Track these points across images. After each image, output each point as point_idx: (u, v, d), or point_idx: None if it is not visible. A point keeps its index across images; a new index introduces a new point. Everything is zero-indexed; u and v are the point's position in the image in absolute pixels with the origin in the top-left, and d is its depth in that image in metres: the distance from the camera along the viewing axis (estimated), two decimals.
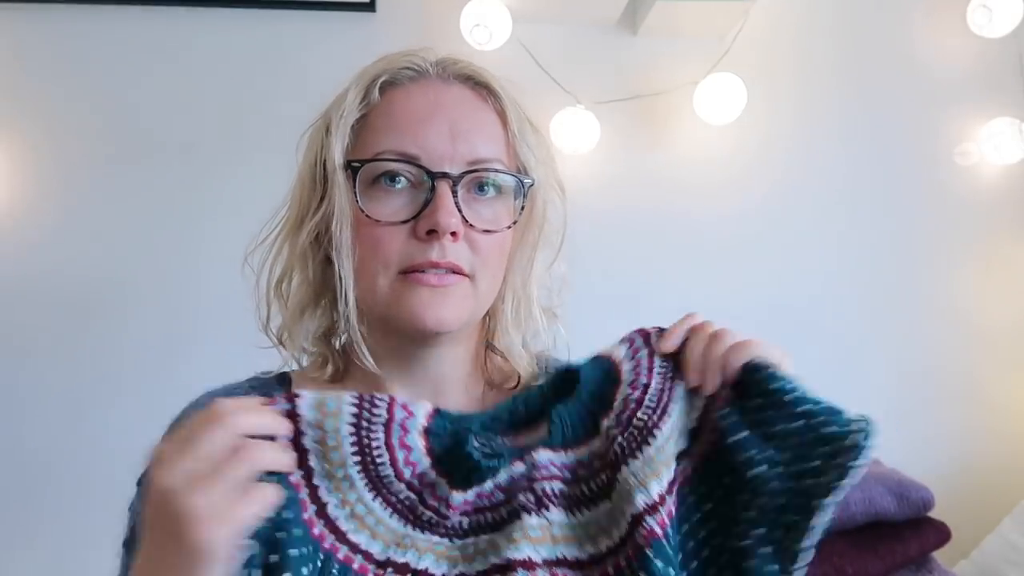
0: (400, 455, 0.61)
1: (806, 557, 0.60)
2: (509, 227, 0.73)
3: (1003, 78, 1.70)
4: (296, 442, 0.59)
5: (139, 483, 0.73)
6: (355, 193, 0.71)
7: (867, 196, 1.69)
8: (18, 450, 1.49)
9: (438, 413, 0.65)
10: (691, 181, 1.66)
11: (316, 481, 0.60)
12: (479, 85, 0.75)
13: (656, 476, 0.61)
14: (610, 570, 0.60)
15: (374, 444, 0.61)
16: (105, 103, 1.55)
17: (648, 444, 0.62)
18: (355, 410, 0.61)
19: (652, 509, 0.60)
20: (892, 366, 1.66)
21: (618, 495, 0.62)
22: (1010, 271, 1.71)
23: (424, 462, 0.62)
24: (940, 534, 1.38)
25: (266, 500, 0.55)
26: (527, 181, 0.74)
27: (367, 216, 0.70)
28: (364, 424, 0.61)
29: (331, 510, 0.60)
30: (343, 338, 0.78)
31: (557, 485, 0.64)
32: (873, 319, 1.66)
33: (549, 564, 0.61)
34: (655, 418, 0.64)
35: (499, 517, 0.63)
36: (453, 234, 0.69)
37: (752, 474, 0.60)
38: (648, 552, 0.58)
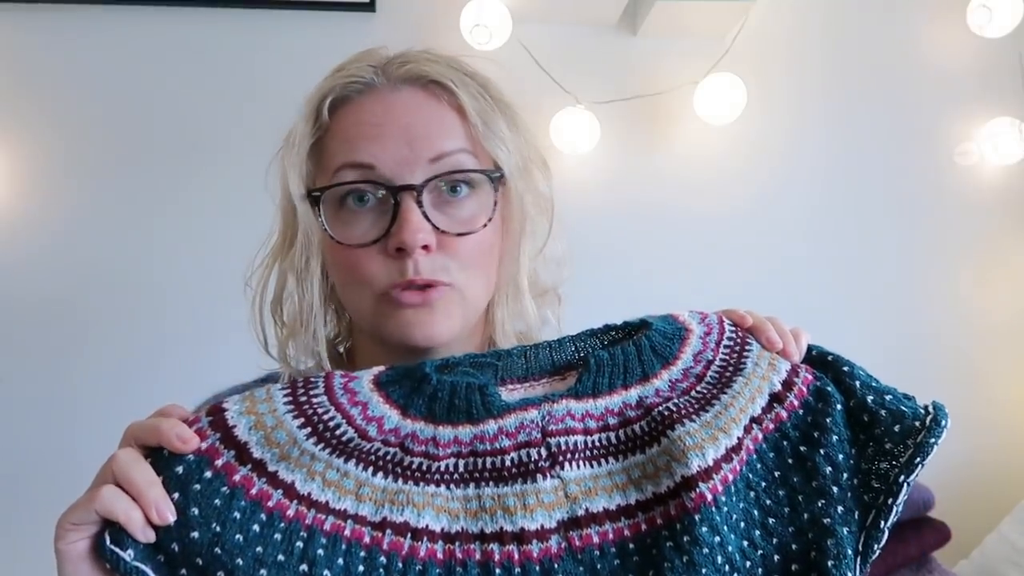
0: (355, 412, 0.58)
1: (882, 539, 0.58)
2: (485, 225, 0.70)
3: (1003, 78, 1.69)
4: (231, 439, 0.56)
5: None
6: (322, 220, 0.70)
7: (867, 196, 1.69)
8: (12, 450, 1.48)
9: (392, 367, 0.61)
10: (691, 181, 1.66)
11: (272, 468, 0.56)
12: (431, 83, 0.72)
13: (713, 441, 0.58)
14: (658, 520, 0.57)
15: (320, 408, 0.58)
16: (105, 104, 1.55)
17: (707, 410, 0.60)
18: (287, 390, 0.59)
19: (706, 474, 0.56)
20: (891, 366, 1.63)
21: (666, 451, 0.58)
22: (1010, 271, 1.70)
23: (391, 415, 0.59)
24: (940, 534, 1.38)
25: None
26: (495, 175, 0.71)
27: (337, 242, 0.69)
28: (301, 397, 0.59)
29: (300, 487, 0.56)
30: (347, 344, 0.79)
31: (575, 439, 0.59)
32: (872, 319, 1.66)
33: (564, 526, 0.57)
34: (715, 391, 0.61)
35: (502, 465, 0.58)
36: (425, 247, 0.67)
37: (831, 446, 0.59)
38: (696, 516, 0.55)
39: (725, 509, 0.57)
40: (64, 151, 1.54)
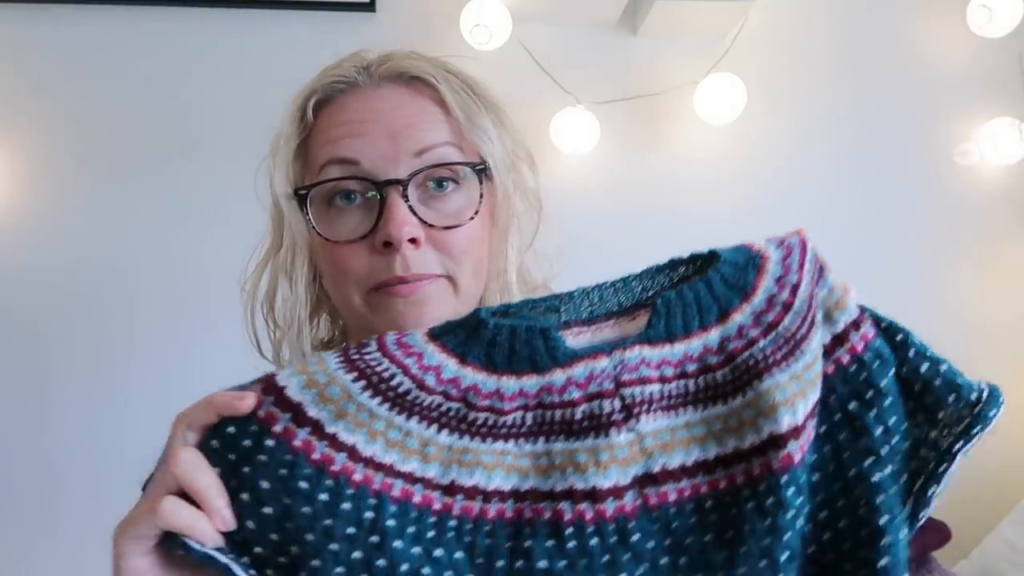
0: (410, 362, 0.54)
1: (931, 505, 0.56)
2: (472, 218, 0.70)
3: (1003, 78, 1.70)
4: (285, 401, 0.52)
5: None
6: (309, 218, 0.70)
7: (866, 196, 1.69)
8: (22, 450, 1.48)
9: (445, 321, 0.57)
10: (691, 181, 1.66)
11: (330, 429, 0.52)
12: (412, 80, 0.72)
13: (803, 396, 0.53)
14: (738, 478, 0.53)
15: (372, 362, 0.54)
16: (105, 104, 1.55)
17: (796, 359, 0.54)
18: (340, 353, 0.55)
19: (795, 433, 0.51)
20: None
21: (752, 404, 0.53)
22: (1009, 271, 1.70)
23: (449, 364, 0.54)
24: (940, 534, 1.37)
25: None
26: (479, 167, 0.71)
27: (326, 239, 0.69)
28: (354, 356, 0.54)
29: (362, 448, 0.52)
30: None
31: (651, 388, 0.54)
32: None
33: (639, 482, 0.53)
34: (805, 329, 0.55)
35: (572, 418, 0.54)
36: (413, 241, 0.67)
37: (883, 409, 0.55)
38: (782, 478, 0.51)
39: (806, 467, 0.53)
40: (64, 151, 1.54)
